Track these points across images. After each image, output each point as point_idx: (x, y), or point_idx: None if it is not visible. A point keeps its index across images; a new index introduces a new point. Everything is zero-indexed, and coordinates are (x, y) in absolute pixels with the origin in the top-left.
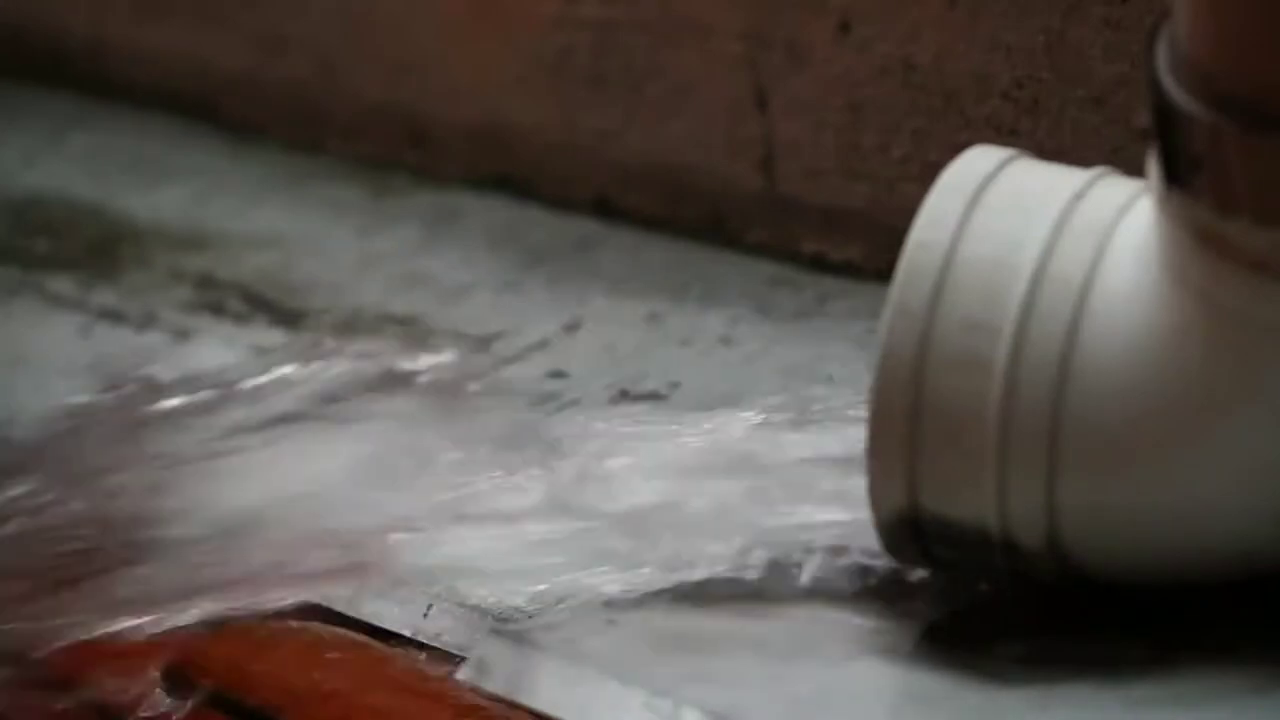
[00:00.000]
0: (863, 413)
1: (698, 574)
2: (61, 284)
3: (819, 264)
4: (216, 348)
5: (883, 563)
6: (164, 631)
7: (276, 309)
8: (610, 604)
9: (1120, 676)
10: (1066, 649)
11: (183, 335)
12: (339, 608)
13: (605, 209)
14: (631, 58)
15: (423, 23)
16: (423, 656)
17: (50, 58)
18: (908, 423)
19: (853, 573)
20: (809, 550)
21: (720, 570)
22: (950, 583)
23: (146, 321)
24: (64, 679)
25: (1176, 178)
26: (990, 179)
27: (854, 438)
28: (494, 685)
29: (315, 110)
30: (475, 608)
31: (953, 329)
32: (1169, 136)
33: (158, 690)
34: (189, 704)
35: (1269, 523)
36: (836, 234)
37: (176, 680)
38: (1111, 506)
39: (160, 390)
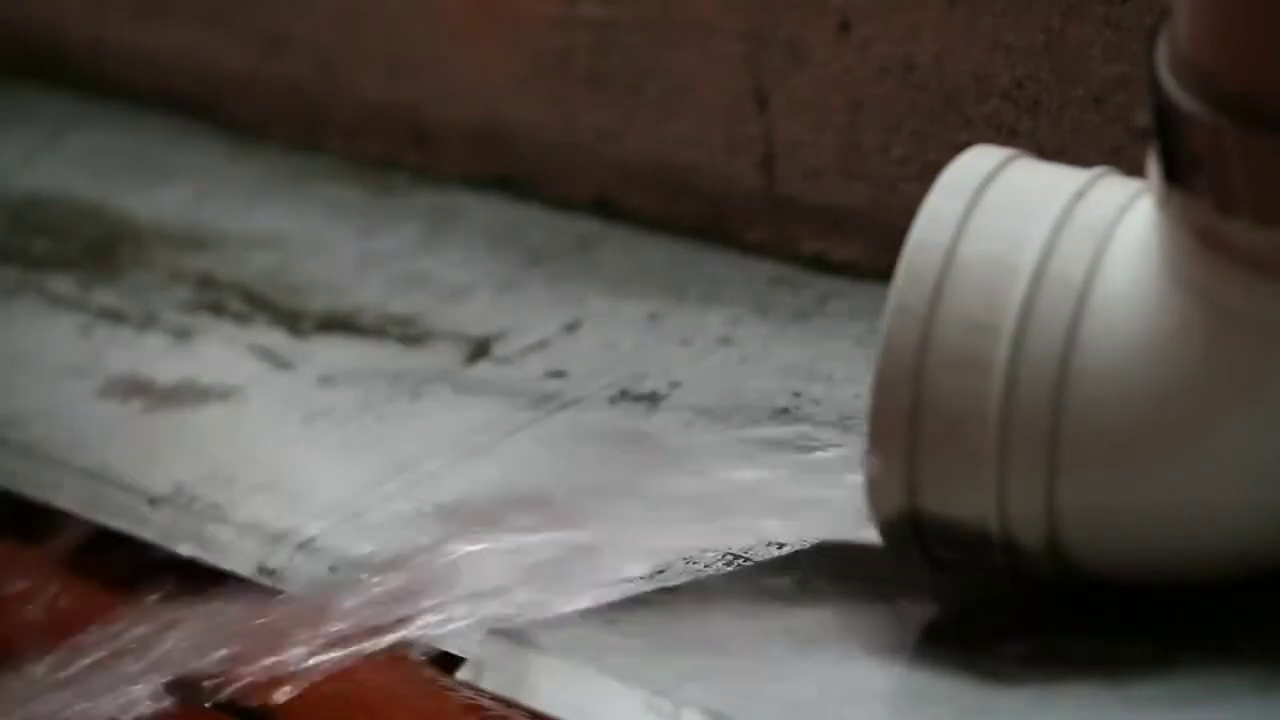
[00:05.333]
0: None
1: (698, 573)
2: (61, 284)
3: (819, 264)
4: (217, 348)
5: (882, 562)
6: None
7: (276, 309)
8: (610, 604)
9: (1120, 676)
10: (1066, 648)
11: (183, 335)
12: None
13: (605, 209)
14: (631, 58)
15: (423, 23)
16: (423, 656)
17: (50, 58)
18: (908, 423)
19: (852, 572)
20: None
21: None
22: (950, 583)
23: (146, 321)
24: None
25: (1176, 177)
26: (990, 179)
27: None
28: (494, 685)
29: (315, 110)
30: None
31: (953, 329)
32: (1169, 136)
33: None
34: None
35: (1269, 523)
36: (836, 234)
37: (176, 680)
38: (1111, 506)
39: None
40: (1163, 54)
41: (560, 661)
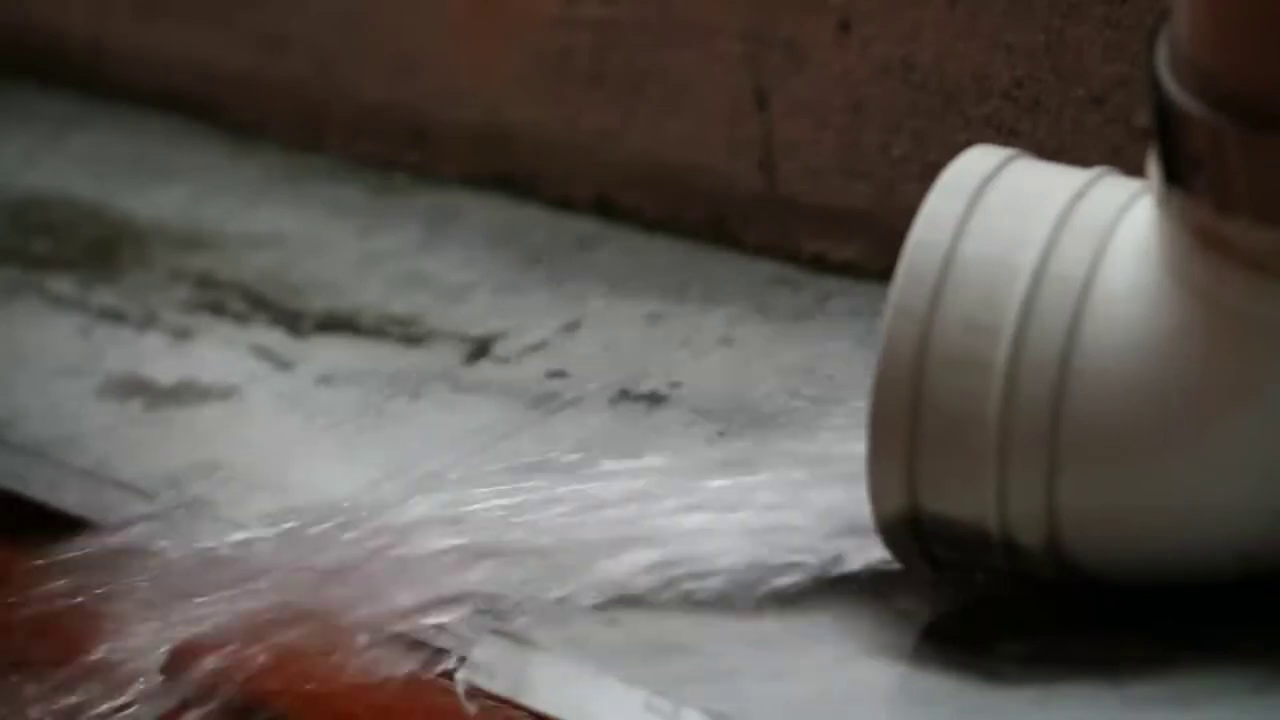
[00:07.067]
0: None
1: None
2: (61, 284)
3: (819, 264)
4: (217, 348)
5: (882, 562)
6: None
7: (276, 309)
8: (610, 604)
9: (1120, 676)
10: (1066, 648)
11: (183, 335)
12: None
13: (605, 209)
14: (631, 58)
15: (423, 23)
16: (423, 657)
17: (50, 58)
18: (908, 422)
19: (852, 572)
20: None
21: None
22: (950, 583)
23: (146, 321)
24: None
25: (1176, 177)
26: (990, 179)
27: None
28: (494, 685)
29: (315, 110)
30: (475, 607)
31: (953, 329)
32: (1169, 136)
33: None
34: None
35: (1269, 523)
36: (836, 234)
37: (176, 679)
38: (1111, 506)
39: None
40: (1163, 54)
41: (560, 661)
